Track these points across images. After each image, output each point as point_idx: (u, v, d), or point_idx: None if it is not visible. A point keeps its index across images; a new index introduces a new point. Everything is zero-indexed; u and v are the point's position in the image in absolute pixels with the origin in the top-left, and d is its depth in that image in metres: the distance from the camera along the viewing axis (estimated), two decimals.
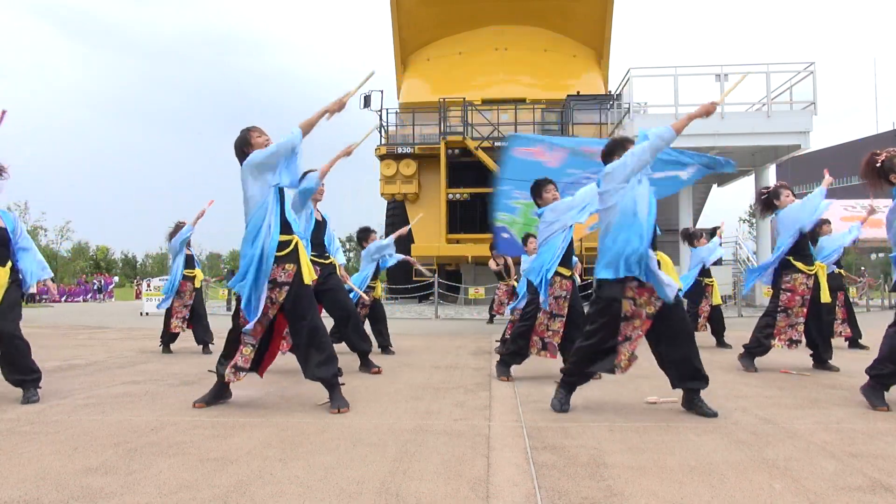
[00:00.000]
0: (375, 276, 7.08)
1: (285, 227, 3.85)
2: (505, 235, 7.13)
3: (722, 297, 14.83)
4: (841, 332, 7.23)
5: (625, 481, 2.45)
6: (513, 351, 5.05)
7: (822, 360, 5.47)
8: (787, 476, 2.51)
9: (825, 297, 5.39)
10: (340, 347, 7.02)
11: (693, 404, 3.68)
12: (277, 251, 3.76)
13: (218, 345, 7.36)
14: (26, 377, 4.10)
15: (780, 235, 5.38)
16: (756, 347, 5.46)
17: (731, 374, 5.28)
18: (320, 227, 5.50)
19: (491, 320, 11.96)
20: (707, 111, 3.48)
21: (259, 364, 4.02)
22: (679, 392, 3.82)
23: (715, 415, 3.56)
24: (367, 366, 5.50)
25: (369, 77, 3.96)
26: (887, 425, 3.39)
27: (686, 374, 3.66)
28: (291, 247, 3.83)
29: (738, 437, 3.13)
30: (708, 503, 2.23)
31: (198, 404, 3.84)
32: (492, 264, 11.09)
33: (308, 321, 3.81)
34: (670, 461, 2.71)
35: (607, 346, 3.68)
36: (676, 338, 3.67)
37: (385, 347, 6.89)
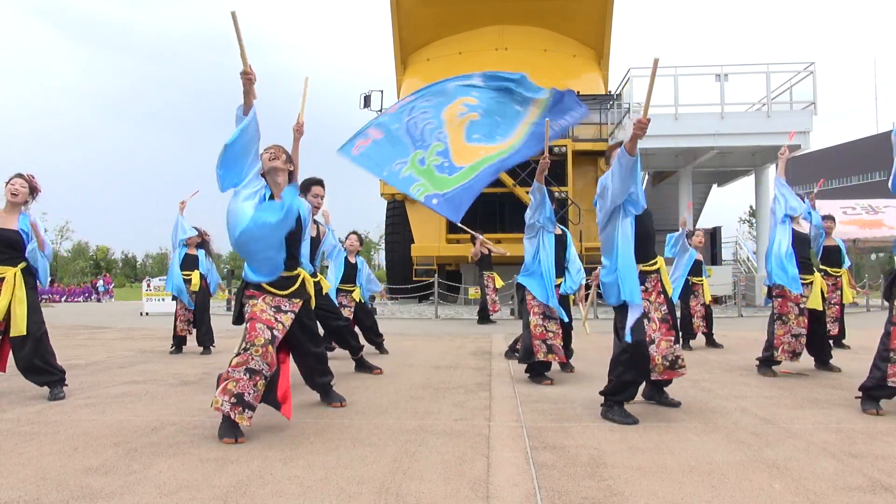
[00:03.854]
0: (351, 280, 6.65)
1: (290, 263, 3.43)
2: (434, 201, 5.75)
3: (722, 297, 14.79)
4: (829, 330, 7.20)
5: (625, 481, 2.45)
6: (532, 366, 4.97)
7: (822, 360, 5.46)
8: (787, 476, 2.51)
9: (814, 303, 5.30)
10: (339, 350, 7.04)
11: (653, 393, 3.91)
12: (281, 289, 3.37)
13: (221, 344, 7.37)
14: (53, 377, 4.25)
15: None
16: (769, 360, 5.30)
17: (732, 374, 5.28)
18: (314, 243, 4.87)
19: (481, 320, 11.92)
20: (640, 126, 3.46)
21: (274, 397, 3.39)
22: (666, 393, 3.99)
23: (678, 404, 3.82)
24: (365, 367, 5.48)
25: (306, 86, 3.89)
26: (887, 425, 3.39)
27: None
28: (297, 285, 3.44)
29: (738, 437, 3.13)
30: (708, 503, 2.23)
31: (226, 440, 3.10)
32: (475, 252, 10.94)
33: (313, 348, 3.70)
34: (670, 461, 2.71)
35: (645, 354, 3.59)
36: None
37: (378, 346, 6.89)
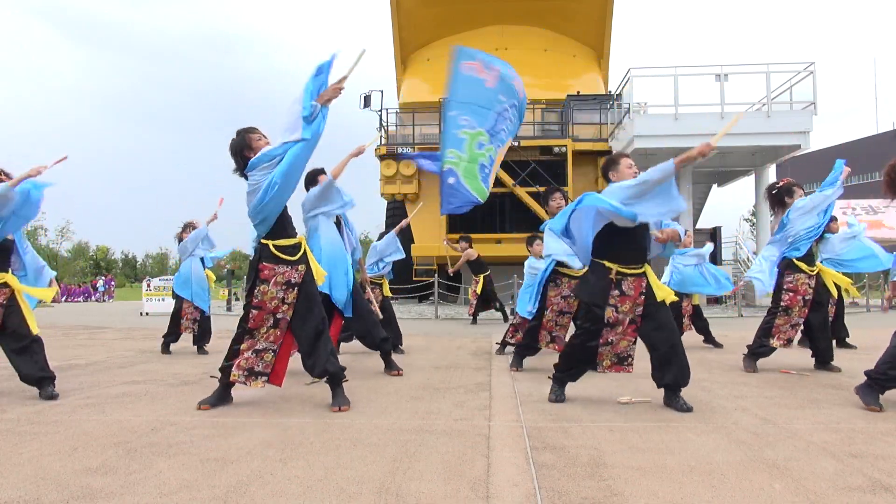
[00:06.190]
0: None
1: (290, 230, 3.89)
2: (451, 181, 5.68)
3: (722, 296, 14.71)
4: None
5: (625, 481, 2.45)
6: (525, 344, 5.60)
7: (824, 360, 5.46)
8: (787, 476, 2.51)
9: (833, 288, 5.46)
10: (345, 347, 7.05)
11: (671, 400, 3.85)
12: (288, 255, 3.80)
13: (217, 345, 7.37)
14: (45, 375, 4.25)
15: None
16: (759, 348, 5.44)
17: (732, 374, 5.28)
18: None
19: (474, 321, 12.00)
20: (702, 152, 3.45)
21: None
22: (651, 393, 4.02)
23: (690, 409, 3.72)
24: (389, 367, 5.38)
25: (361, 55, 3.80)
26: (887, 425, 3.39)
27: (667, 372, 3.82)
28: (302, 250, 3.87)
29: (738, 437, 3.13)
30: (708, 503, 2.23)
31: (203, 406, 3.80)
32: (451, 269, 11.23)
33: (316, 317, 3.85)
34: (670, 461, 2.71)
35: (589, 346, 3.91)
36: (659, 332, 3.82)
37: (394, 346, 6.89)
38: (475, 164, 5.70)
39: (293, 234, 3.89)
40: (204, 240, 7.17)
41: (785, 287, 5.32)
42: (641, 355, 3.96)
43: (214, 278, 7.50)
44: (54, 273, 4.80)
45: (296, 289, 3.81)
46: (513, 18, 21.51)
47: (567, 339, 4.52)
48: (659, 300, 3.83)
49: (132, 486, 2.40)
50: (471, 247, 11.39)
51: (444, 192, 5.58)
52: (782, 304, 5.32)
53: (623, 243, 3.79)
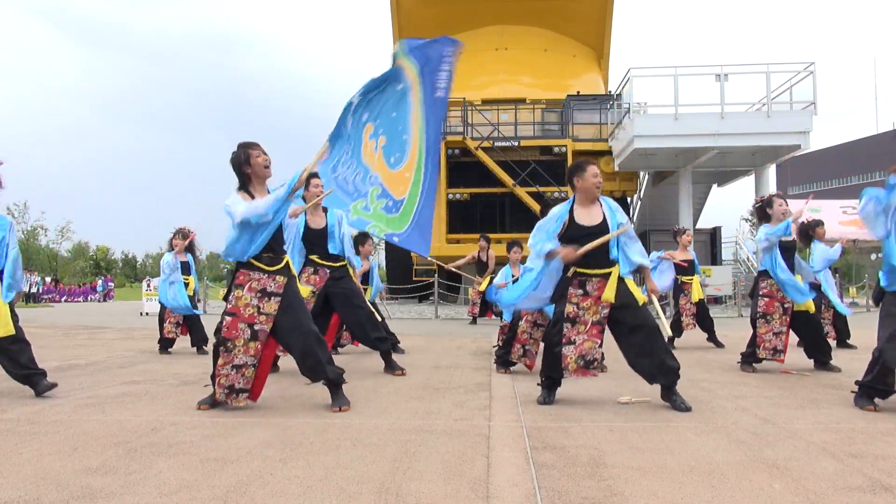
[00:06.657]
0: (364, 281, 7.08)
1: (274, 249, 3.85)
2: (396, 239, 5.65)
3: (721, 296, 14.67)
4: (827, 333, 7.18)
5: (625, 481, 2.45)
6: (502, 355, 5.49)
7: (822, 361, 5.47)
8: (787, 476, 2.51)
9: (809, 306, 5.38)
10: (344, 347, 7.05)
11: (668, 398, 3.86)
12: (264, 264, 3.79)
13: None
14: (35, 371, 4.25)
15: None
16: (749, 356, 5.49)
17: (731, 374, 5.28)
18: (323, 231, 5.36)
19: (474, 321, 12.00)
20: (567, 257, 3.81)
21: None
22: (651, 393, 4.01)
23: (689, 409, 3.72)
24: (391, 367, 5.38)
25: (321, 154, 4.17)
26: (887, 425, 3.39)
27: (653, 370, 3.84)
28: (282, 263, 3.87)
29: (738, 437, 3.13)
30: (708, 503, 2.23)
31: (203, 406, 3.79)
32: (485, 274, 11.16)
33: (305, 327, 3.81)
34: (670, 461, 2.71)
35: (556, 349, 3.92)
36: (635, 335, 3.86)
37: (394, 346, 6.89)
38: (381, 210, 5.66)
39: (276, 252, 3.86)
40: (174, 269, 7.21)
41: (760, 293, 5.42)
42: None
43: (194, 285, 7.57)
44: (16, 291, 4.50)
45: (272, 299, 3.76)
46: (513, 18, 21.52)
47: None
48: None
49: (132, 486, 2.40)
50: (489, 247, 11.30)
51: (406, 246, 5.57)
52: (759, 309, 5.39)
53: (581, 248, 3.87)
